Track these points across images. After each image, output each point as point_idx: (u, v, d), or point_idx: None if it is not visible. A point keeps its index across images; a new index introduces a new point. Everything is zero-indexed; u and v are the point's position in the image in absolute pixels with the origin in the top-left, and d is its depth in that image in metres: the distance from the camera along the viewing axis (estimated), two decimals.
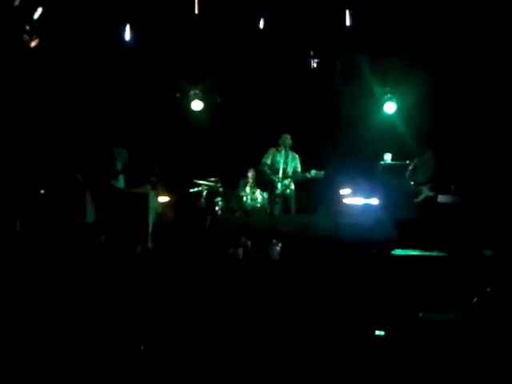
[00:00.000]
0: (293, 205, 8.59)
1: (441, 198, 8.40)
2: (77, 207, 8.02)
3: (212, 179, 9.02)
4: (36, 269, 5.66)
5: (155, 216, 8.34)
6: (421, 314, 4.57)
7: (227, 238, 7.52)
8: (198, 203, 9.01)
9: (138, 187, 8.48)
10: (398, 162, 9.19)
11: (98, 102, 9.37)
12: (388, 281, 5.73)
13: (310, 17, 8.58)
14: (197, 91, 9.85)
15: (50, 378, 3.38)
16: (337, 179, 9.07)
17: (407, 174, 8.78)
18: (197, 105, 9.96)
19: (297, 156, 8.60)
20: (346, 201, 8.90)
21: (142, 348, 3.79)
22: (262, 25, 8.75)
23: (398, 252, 7.23)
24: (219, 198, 8.86)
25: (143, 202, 8.15)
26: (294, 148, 8.62)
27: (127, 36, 8.93)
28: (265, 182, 8.59)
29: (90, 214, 8.08)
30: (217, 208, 8.81)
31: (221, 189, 8.93)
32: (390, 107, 9.69)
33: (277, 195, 8.32)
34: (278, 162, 8.38)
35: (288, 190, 8.50)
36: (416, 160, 8.80)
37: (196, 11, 8.47)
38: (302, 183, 8.65)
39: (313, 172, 8.27)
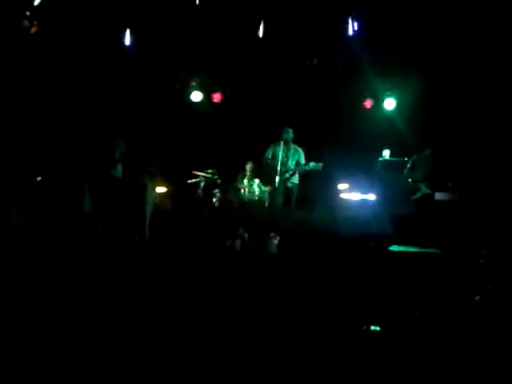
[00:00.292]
0: (294, 198, 8.56)
1: (438, 196, 8.42)
2: (75, 197, 8.00)
3: (209, 171, 9.02)
4: (33, 258, 5.64)
5: (153, 207, 8.33)
6: (416, 313, 4.61)
7: (224, 229, 7.54)
8: (195, 194, 9.01)
9: (137, 178, 8.46)
10: (397, 159, 9.22)
11: (97, 92, 9.34)
12: (384, 276, 5.76)
13: (312, 16, 8.60)
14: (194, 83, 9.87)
15: (49, 366, 3.39)
16: (335, 174, 9.08)
17: (405, 170, 8.81)
18: (196, 96, 9.94)
19: (300, 149, 8.58)
20: (343, 196, 8.93)
21: (141, 336, 3.81)
22: (264, 20, 8.76)
23: (395, 248, 7.27)
24: (217, 190, 8.86)
25: (141, 192, 8.14)
26: (295, 142, 8.61)
27: (127, 29, 8.92)
28: (266, 176, 8.59)
29: (88, 204, 8.07)
30: (214, 199, 8.82)
31: (218, 180, 8.93)
32: (389, 103, 9.71)
33: (276, 188, 8.33)
34: (278, 156, 8.38)
35: (289, 184, 8.50)
36: (414, 157, 8.82)
37: (197, 2, 8.47)
38: (301, 178, 8.65)
39: (311, 164, 8.29)
